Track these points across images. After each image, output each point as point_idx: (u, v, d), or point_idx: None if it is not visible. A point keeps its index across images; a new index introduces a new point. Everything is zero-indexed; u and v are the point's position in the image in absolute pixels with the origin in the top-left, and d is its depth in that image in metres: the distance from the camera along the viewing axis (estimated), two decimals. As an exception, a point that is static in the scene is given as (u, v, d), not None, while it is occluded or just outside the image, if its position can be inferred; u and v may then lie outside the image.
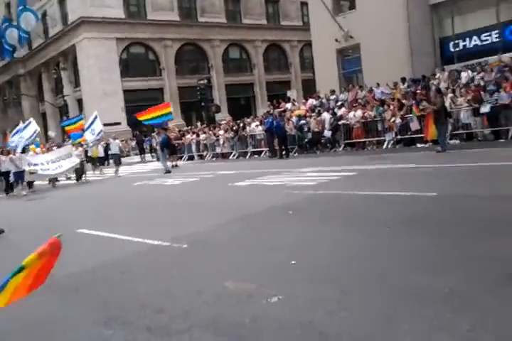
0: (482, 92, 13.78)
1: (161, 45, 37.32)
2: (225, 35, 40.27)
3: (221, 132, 21.52)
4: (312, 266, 4.45)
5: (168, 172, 16.22)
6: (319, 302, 3.56)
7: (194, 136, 23.18)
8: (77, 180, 18.26)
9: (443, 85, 16.26)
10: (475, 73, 16.24)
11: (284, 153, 17.01)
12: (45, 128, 39.67)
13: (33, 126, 19.83)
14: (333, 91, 20.62)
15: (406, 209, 6.31)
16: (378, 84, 18.46)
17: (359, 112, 16.19)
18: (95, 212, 10.15)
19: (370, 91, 18.60)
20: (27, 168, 15.87)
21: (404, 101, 15.47)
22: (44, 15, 38.36)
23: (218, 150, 21.46)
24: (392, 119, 14.94)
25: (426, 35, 20.48)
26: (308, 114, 18.53)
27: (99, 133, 19.70)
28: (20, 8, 30.99)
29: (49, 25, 39.13)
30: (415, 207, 6.39)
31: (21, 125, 20.17)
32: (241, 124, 21.42)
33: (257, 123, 20.51)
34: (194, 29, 38.41)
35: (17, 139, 19.24)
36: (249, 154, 19.61)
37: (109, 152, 21.63)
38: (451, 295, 3.37)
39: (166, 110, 20.56)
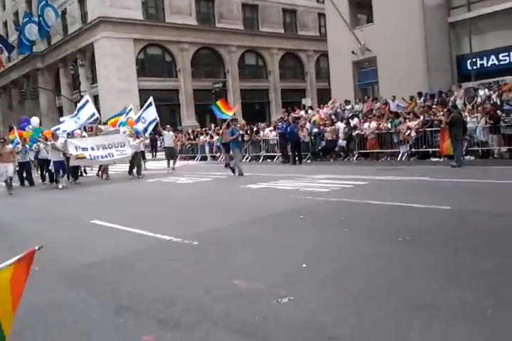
0: (498, 111, 13.73)
1: (178, 48, 37.56)
2: (241, 41, 40.46)
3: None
4: (322, 270, 4.45)
5: (242, 174, 13.66)
6: (330, 307, 3.55)
7: (208, 137, 23.29)
8: (130, 173, 16.22)
9: (459, 102, 16.24)
10: (491, 92, 16.20)
11: (297, 159, 17.02)
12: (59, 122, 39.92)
13: (91, 108, 17.22)
14: (347, 102, 20.65)
15: (419, 221, 6.28)
16: (394, 97, 18.47)
17: (374, 124, 16.19)
18: (109, 205, 10.25)
19: (386, 103, 18.61)
20: (74, 153, 14.21)
21: (420, 115, 15.43)
22: (64, 12, 38.77)
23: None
24: (408, 132, 14.91)
25: (443, 51, 20.51)
26: (322, 123, 18.56)
27: (151, 122, 17.31)
28: (42, 3, 31.36)
29: (68, 22, 39.54)
30: (428, 219, 6.35)
31: (79, 105, 17.68)
32: (254, 128, 21.47)
33: (271, 128, 20.58)
34: (211, 34, 38.60)
35: (72, 123, 16.82)
36: (261, 158, 19.63)
37: (163, 145, 19.28)
38: (463, 307, 3.35)
39: (229, 112, 19.90)
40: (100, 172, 16.93)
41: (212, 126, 26.83)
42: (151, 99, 17.68)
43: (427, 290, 3.72)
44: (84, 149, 14.46)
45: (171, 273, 4.72)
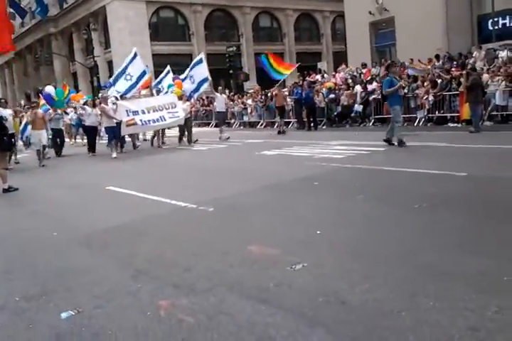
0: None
1: (191, 10, 36.79)
2: (255, 2, 39.40)
3: (249, 101, 21.39)
4: (337, 237, 4.45)
5: (403, 143, 10.20)
6: (343, 273, 3.56)
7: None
8: (180, 140, 14.86)
9: (479, 64, 15.76)
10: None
11: (312, 125, 16.83)
12: (76, 88, 39.90)
13: (140, 64, 15.02)
14: (364, 65, 20.18)
15: (435, 188, 6.20)
16: (412, 60, 17.97)
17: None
18: (127, 173, 10.32)
19: (403, 67, 18.12)
20: (124, 119, 12.93)
21: (438, 79, 14.99)
22: (75, -26, 38.06)
23: (246, 118, 21.44)
24: (425, 97, 14.57)
25: (463, 11, 19.81)
26: (338, 87, 18.20)
27: (201, 82, 15.63)
28: None
29: (81, -17, 38.83)
30: (444, 186, 6.27)
31: (127, 60, 15.36)
32: (269, 94, 21.18)
33: (286, 93, 20.25)
34: (225, -5, 37.68)
35: (123, 82, 14.98)
36: (276, 124, 19.39)
37: (214, 109, 17.67)
38: (479, 276, 3.32)
39: (288, 71, 17.98)
40: (151, 139, 15.38)
41: (227, 91, 26.51)
42: (201, 55, 16.10)
43: (444, 258, 3.69)
44: (135, 113, 13.14)
45: (187, 239, 4.78)
